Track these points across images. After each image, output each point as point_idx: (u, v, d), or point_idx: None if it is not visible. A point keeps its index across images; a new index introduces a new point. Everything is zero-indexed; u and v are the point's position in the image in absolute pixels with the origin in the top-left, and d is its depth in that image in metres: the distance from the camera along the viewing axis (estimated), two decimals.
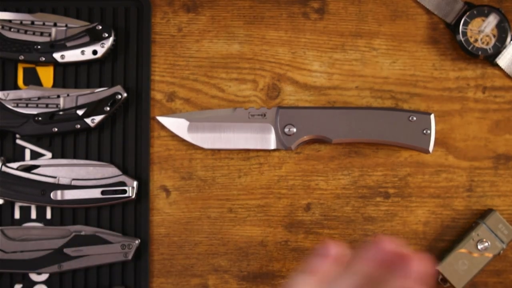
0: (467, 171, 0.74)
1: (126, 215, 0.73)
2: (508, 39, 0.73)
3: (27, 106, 0.71)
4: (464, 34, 0.73)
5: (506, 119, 0.74)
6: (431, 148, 0.71)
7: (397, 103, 0.74)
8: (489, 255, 0.71)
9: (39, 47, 0.72)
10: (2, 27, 0.72)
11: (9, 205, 0.73)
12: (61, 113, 0.72)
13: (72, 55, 0.72)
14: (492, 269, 0.73)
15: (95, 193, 0.71)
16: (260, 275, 0.73)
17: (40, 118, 0.71)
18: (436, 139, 0.73)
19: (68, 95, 0.72)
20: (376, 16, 0.75)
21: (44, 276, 0.72)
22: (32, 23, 0.73)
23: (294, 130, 0.71)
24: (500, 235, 0.71)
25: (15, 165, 0.71)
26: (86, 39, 0.72)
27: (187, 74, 0.75)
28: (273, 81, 0.74)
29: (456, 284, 0.70)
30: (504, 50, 0.73)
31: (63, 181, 0.71)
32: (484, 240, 0.71)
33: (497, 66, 0.74)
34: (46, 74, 0.74)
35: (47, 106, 0.72)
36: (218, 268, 0.73)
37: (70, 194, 0.71)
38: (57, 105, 0.72)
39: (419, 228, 0.73)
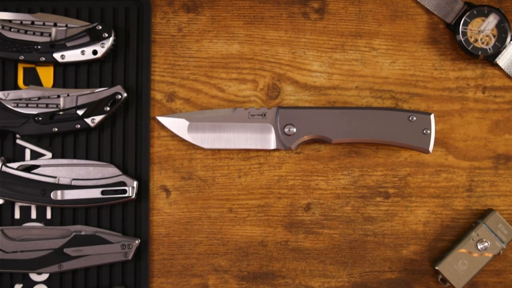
0: (467, 171, 0.74)
1: (126, 215, 0.73)
2: (508, 39, 0.73)
3: (27, 106, 0.71)
4: (464, 34, 0.73)
5: (506, 119, 0.74)
6: (431, 148, 0.71)
7: (397, 103, 0.74)
8: (489, 255, 0.71)
9: (39, 47, 0.72)
10: (2, 27, 0.72)
11: (9, 205, 0.73)
12: (61, 113, 0.71)
13: (72, 55, 0.72)
14: (492, 269, 0.73)
15: (95, 193, 0.71)
16: (260, 275, 0.73)
17: (40, 118, 0.71)
18: (436, 139, 0.73)
19: (68, 95, 0.72)
20: (376, 16, 0.75)
21: (44, 276, 0.72)
22: (32, 23, 0.73)
23: (294, 130, 0.71)
24: (500, 235, 0.71)
25: (15, 165, 0.71)
26: (86, 39, 0.72)
27: (187, 74, 0.75)
28: (273, 81, 0.74)
29: (456, 284, 0.70)
30: (504, 50, 0.73)
31: (63, 181, 0.71)
32: (484, 240, 0.71)
33: (497, 66, 0.74)
34: (46, 74, 0.74)
35: (47, 106, 0.72)
36: (218, 268, 0.73)
37: (70, 194, 0.71)
38: (57, 105, 0.72)
39: (419, 228, 0.73)
